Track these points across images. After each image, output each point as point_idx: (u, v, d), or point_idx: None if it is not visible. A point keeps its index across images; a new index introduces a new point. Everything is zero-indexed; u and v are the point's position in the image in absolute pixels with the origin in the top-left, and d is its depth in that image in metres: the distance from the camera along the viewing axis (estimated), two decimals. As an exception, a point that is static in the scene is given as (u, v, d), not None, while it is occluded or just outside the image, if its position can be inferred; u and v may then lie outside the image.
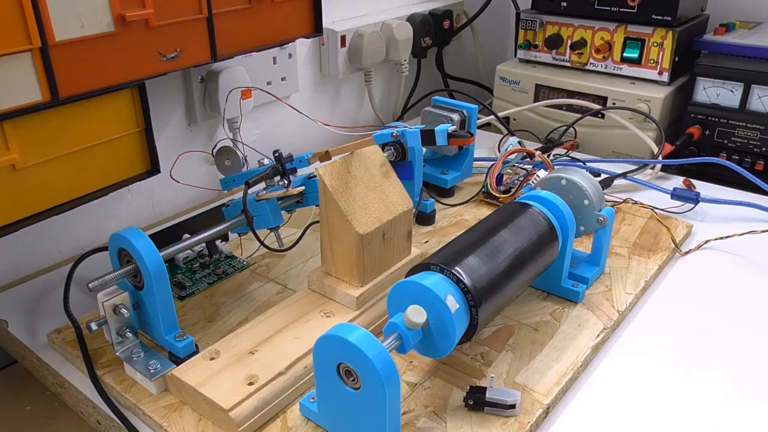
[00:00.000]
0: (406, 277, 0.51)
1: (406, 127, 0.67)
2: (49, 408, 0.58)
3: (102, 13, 0.55)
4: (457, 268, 0.50)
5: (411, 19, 1.08)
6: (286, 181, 0.63)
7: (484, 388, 0.51)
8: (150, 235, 0.53)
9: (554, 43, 1.05)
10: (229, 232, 0.66)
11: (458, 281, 0.49)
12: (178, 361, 0.54)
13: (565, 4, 1.03)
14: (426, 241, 0.76)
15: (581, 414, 0.53)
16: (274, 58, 0.89)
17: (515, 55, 1.12)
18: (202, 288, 0.67)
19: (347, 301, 0.59)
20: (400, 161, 0.71)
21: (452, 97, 0.95)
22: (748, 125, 0.92)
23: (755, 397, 0.54)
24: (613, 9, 0.98)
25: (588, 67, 1.05)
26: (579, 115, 1.01)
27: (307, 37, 0.76)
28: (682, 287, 0.68)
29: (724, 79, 0.93)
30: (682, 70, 1.01)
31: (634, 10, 0.97)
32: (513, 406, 0.50)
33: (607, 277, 0.68)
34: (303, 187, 0.64)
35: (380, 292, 0.61)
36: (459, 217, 0.81)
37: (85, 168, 0.61)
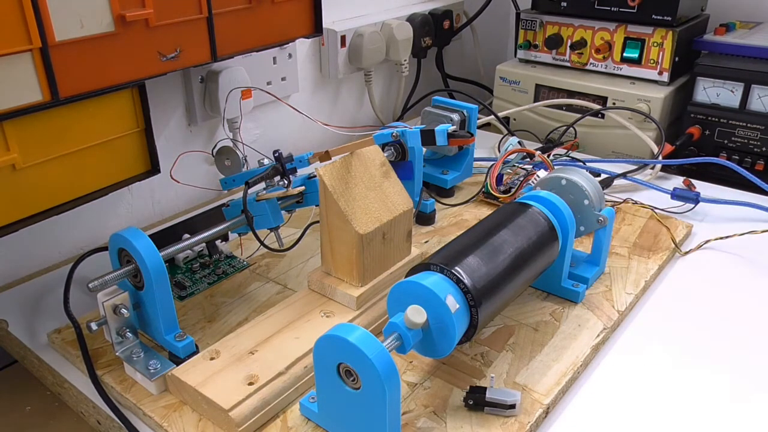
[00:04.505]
0: (406, 277, 0.51)
1: (406, 127, 0.67)
2: (49, 408, 0.58)
3: (102, 13, 0.55)
4: (457, 268, 0.50)
5: (411, 19, 1.08)
6: (286, 181, 0.63)
7: (484, 388, 0.51)
8: (150, 235, 0.53)
9: (554, 43, 1.05)
10: (229, 232, 0.66)
11: (458, 281, 0.49)
12: (178, 361, 0.54)
13: (565, 4, 1.03)
14: (426, 241, 0.76)
15: (581, 414, 0.53)
16: (274, 58, 0.89)
17: (515, 55, 1.12)
18: (202, 288, 0.67)
19: (347, 301, 0.59)
20: (400, 161, 0.71)
21: (452, 97, 0.95)
22: (748, 125, 0.92)
23: (756, 396, 0.54)
24: (613, 9, 0.98)
25: (588, 67, 1.05)
26: (579, 115, 1.01)
27: (307, 37, 0.76)
28: (682, 287, 0.68)
29: (724, 79, 0.92)
30: (682, 70, 1.01)
31: (634, 10, 0.96)
32: (513, 406, 0.50)
33: (607, 277, 0.68)
34: (303, 187, 0.64)
35: (380, 292, 0.61)
36: (459, 217, 0.81)
37: (86, 168, 0.61)
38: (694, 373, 0.57)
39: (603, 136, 1.01)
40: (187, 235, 0.62)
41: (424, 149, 0.80)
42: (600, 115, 1.00)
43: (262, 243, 0.61)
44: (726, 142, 0.94)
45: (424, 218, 0.79)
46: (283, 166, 0.62)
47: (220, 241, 0.72)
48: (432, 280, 0.49)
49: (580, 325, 0.61)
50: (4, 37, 0.49)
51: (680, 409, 0.53)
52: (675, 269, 0.71)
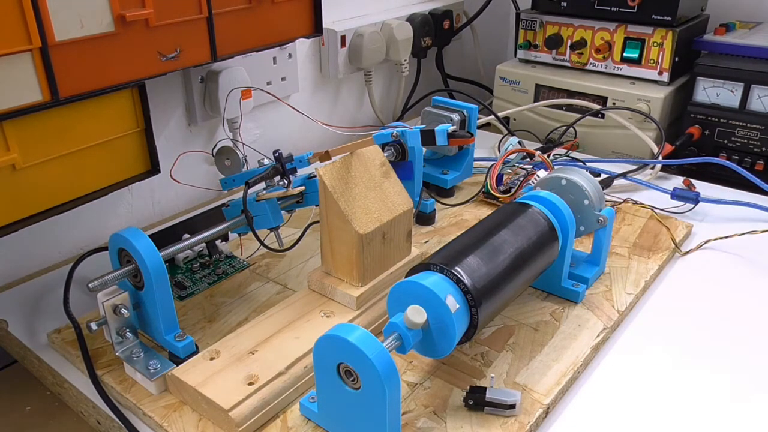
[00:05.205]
0: (406, 277, 0.51)
1: (406, 127, 0.67)
2: (49, 408, 0.58)
3: (102, 13, 0.55)
4: (457, 268, 0.50)
5: (411, 19, 1.08)
6: (286, 181, 0.63)
7: (484, 388, 0.51)
8: (150, 235, 0.53)
9: (554, 43, 1.05)
10: (229, 232, 0.66)
11: (458, 281, 0.49)
12: (178, 361, 0.54)
13: (565, 4, 1.03)
14: (426, 241, 0.76)
15: (581, 414, 0.53)
16: (274, 58, 0.89)
17: (515, 55, 1.12)
18: (202, 288, 0.67)
19: (347, 301, 0.59)
20: (400, 161, 0.71)
21: (452, 97, 0.96)
22: (748, 125, 0.92)
23: (756, 396, 0.54)
24: (613, 9, 0.98)
25: (588, 67, 1.05)
26: (579, 115, 1.01)
27: (307, 37, 0.76)
28: (682, 287, 0.68)
29: (724, 79, 0.93)
30: (682, 70, 1.01)
31: (634, 10, 0.96)
32: (513, 406, 0.50)
33: (607, 277, 0.68)
34: (303, 187, 0.64)
35: (380, 292, 0.61)
36: (459, 217, 0.81)
37: (85, 168, 0.61)
38: (694, 373, 0.57)
39: (603, 136, 1.01)
40: (187, 235, 0.62)
41: (424, 149, 0.80)
42: (600, 115, 1.00)
43: (262, 243, 0.61)
44: (726, 142, 0.94)
45: (424, 218, 0.79)
46: (283, 166, 0.62)
47: (220, 241, 0.72)
48: (432, 280, 0.49)
49: (580, 325, 0.61)
50: (4, 37, 0.49)
51: (680, 409, 0.53)
52: (675, 269, 0.71)
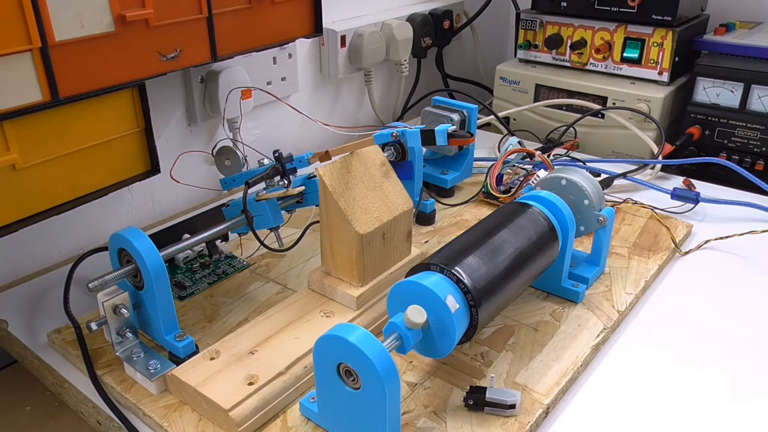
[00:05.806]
0: (406, 277, 0.51)
1: (406, 127, 0.67)
2: (49, 408, 0.58)
3: (102, 13, 0.55)
4: (457, 268, 0.50)
5: (411, 19, 1.08)
6: (286, 181, 0.63)
7: (484, 388, 0.51)
8: (150, 235, 0.53)
9: (554, 43, 1.05)
10: (229, 232, 0.66)
11: (458, 281, 0.49)
12: (178, 361, 0.54)
13: (565, 4, 1.03)
14: (426, 241, 0.76)
15: (581, 414, 0.53)
16: (274, 58, 0.89)
17: (515, 55, 1.12)
18: (202, 288, 0.67)
19: (347, 301, 0.59)
20: (400, 161, 0.71)
21: (452, 97, 0.95)
22: (748, 125, 0.92)
23: (756, 397, 0.54)
24: (613, 9, 0.98)
25: (588, 67, 1.05)
26: (579, 115, 1.01)
27: (307, 37, 0.76)
28: (682, 287, 0.68)
29: (724, 79, 0.93)
30: (682, 70, 1.01)
31: (634, 10, 0.97)
32: (513, 406, 0.50)
33: (607, 277, 0.68)
34: (303, 187, 0.64)
35: (380, 292, 0.61)
36: (459, 217, 0.81)
37: (85, 168, 0.62)
38: (694, 373, 0.57)
39: (603, 136, 1.01)
40: (187, 235, 0.62)
41: (424, 149, 0.80)
42: (600, 115, 1.00)
43: (262, 243, 0.61)
44: (726, 142, 0.94)
45: (424, 218, 0.79)
46: (283, 166, 0.62)
47: (220, 241, 0.72)
48: (432, 280, 0.49)
49: (580, 325, 0.61)
50: (4, 37, 0.49)
51: (680, 409, 0.53)
52: (675, 269, 0.71)
